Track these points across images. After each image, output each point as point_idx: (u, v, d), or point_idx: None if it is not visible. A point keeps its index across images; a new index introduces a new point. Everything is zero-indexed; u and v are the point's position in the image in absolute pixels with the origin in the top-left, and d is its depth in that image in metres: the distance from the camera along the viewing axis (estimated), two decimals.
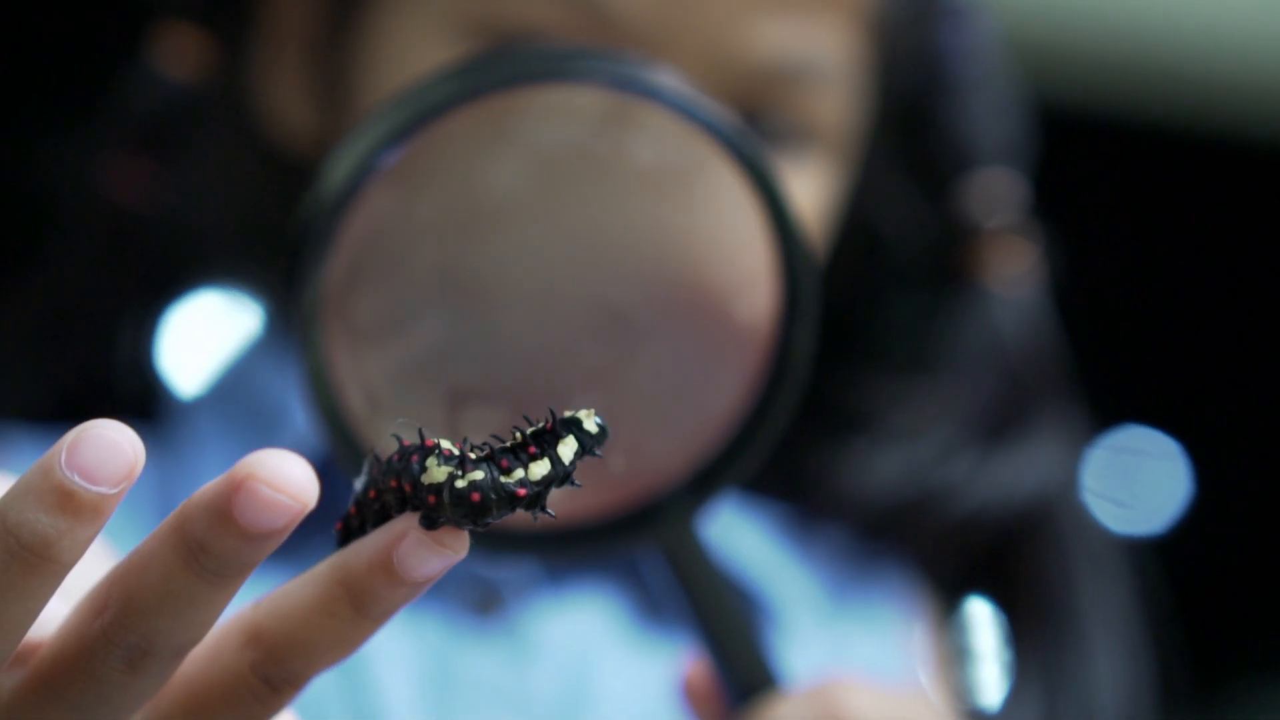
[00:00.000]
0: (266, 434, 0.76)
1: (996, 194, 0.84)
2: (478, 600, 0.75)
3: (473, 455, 0.40)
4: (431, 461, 0.40)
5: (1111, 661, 0.81)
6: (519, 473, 0.40)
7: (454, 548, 0.40)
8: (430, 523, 0.40)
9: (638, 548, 0.61)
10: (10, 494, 0.38)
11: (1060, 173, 0.91)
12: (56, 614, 0.42)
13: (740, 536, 0.80)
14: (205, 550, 0.38)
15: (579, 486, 0.40)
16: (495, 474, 0.40)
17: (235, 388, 0.80)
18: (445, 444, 0.40)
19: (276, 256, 0.80)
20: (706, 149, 0.58)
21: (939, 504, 0.81)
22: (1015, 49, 0.90)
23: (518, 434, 0.40)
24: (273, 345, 0.80)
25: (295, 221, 0.57)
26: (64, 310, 0.82)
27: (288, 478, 0.38)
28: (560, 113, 0.58)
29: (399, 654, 0.73)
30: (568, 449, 0.40)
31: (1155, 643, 0.84)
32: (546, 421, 0.40)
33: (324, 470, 0.75)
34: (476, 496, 0.39)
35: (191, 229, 0.83)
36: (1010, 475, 0.82)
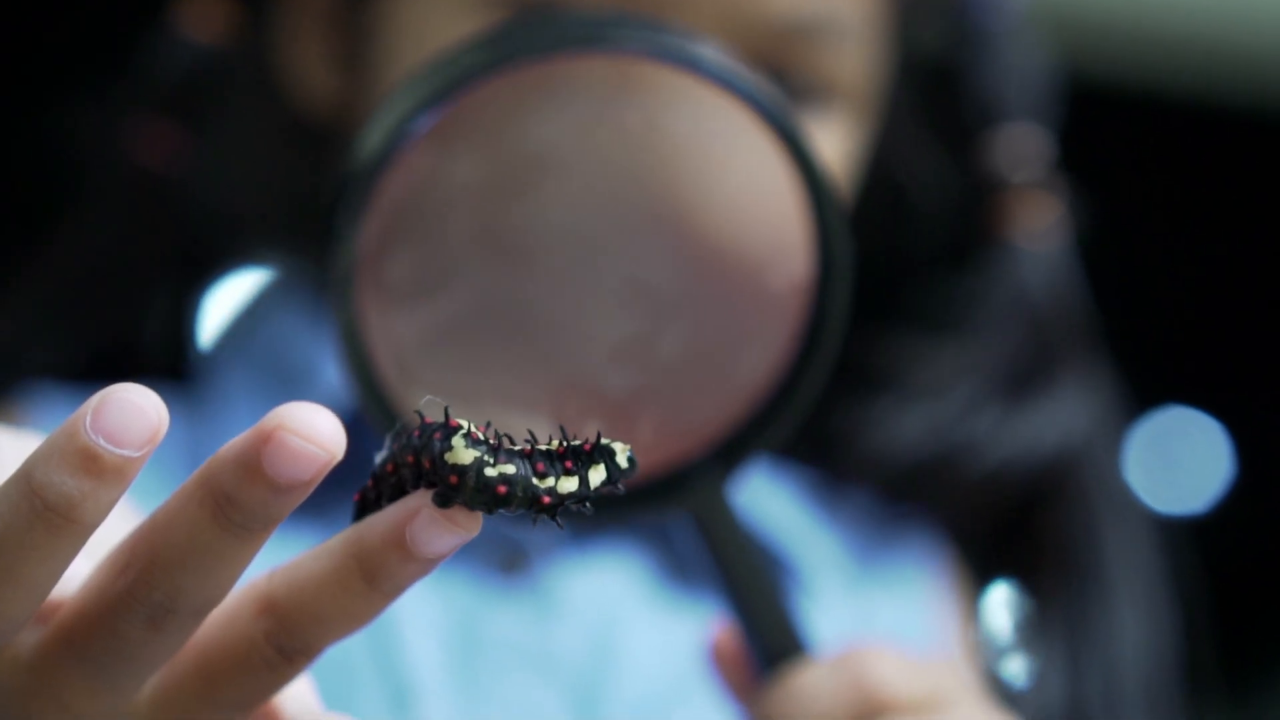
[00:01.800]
0: (294, 394, 0.76)
1: (1022, 149, 0.84)
2: (504, 560, 0.75)
3: (507, 445, 0.40)
4: (458, 441, 0.40)
5: (1136, 616, 0.81)
6: (550, 480, 0.40)
7: (467, 527, 0.40)
8: (444, 501, 0.40)
9: (668, 514, 0.61)
10: (36, 455, 0.38)
11: (1090, 138, 0.91)
12: (80, 573, 0.42)
13: (767, 500, 0.80)
14: (233, 503, 0.39)
15: (589, 514, 0.40)
16: (529, 473, 0.40)
17: (263, 348, 0.80)
18: (471, 426, 0.40)
19: (301, 219, 0.80)
20: (743, 119, 0.57)
21: (963, 460, 0.81)
22: (1046, 17, 0.89)
23: (557, 442, 0.40)
24: (299, 305, 0.80)
25: (331, 183, 0.57)
26: (94, 272, 0.82)
27: (317, 428, 0.38)
28: (597, 81, 0.57)
29: (425, 613, 0.73)
30: (597, 475, 0.40)
31: (1182, 605, 0.83)
32: (586, 441, 0.40)
33: (351, 430, 0.75)
34: (503, 489, 0.39)
35: (218, 192, 0.83)
36: (1035, 430, 0.81)
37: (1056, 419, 0.82)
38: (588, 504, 0.40)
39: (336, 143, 0.78)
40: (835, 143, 0.76)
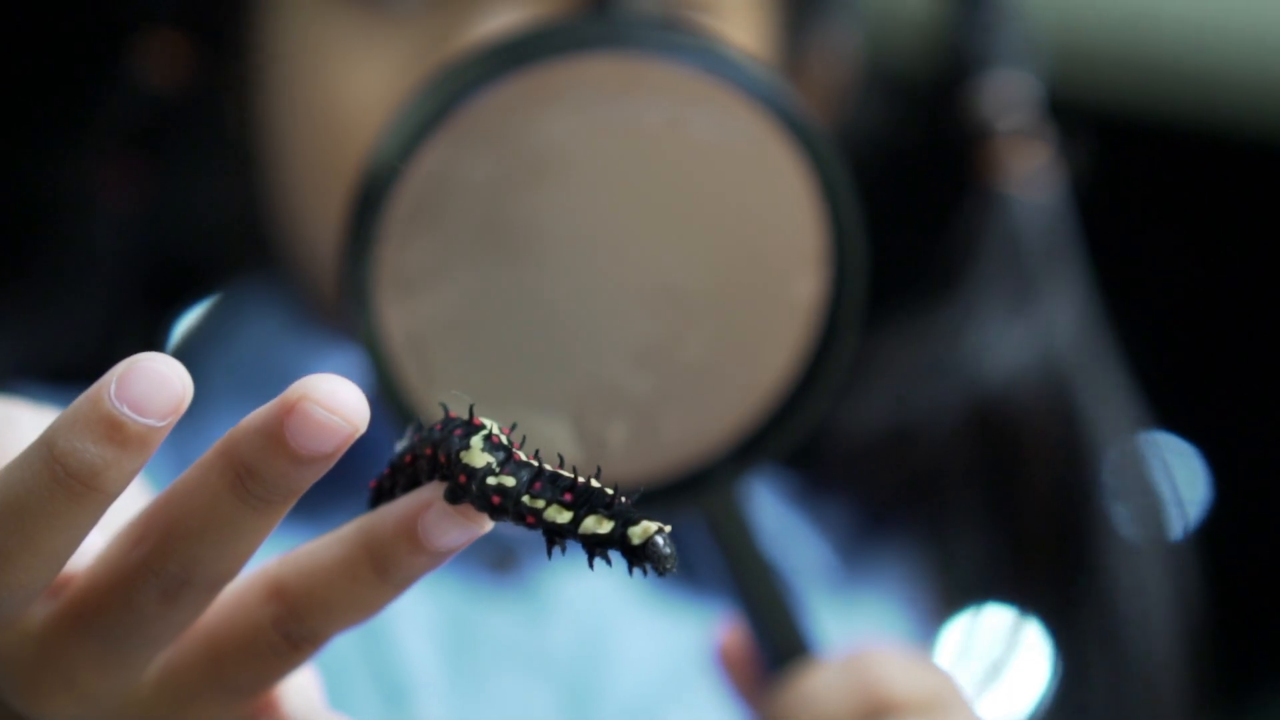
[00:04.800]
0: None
1: (1009, 96, 0.83)
2: (494, 559, 0.75)
3: (522, 457, 0.39)
4: (476, 442, 0.39)
5: (1129, 574, 0.79)
6: (540, 503, 0.39)
7: (478, 522, 0.40)
8: (454, 497, 0.40)
9: (681, 514, 0.60)
10: (58, 423, 0.37)
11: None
12: (93, 547, 0.42)
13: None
14: (253, 475, 0.38)
15: (562, 554, 0.39)
16: (524, 489, 0.39)
17: (243, 355, 0.80)
18: (495, 429, 0.40)
19: (272, 234, 0.80)
20: (766, 128, 0.58)
21: (955, 398, 0.80)
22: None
23: (575, 473, 0.39)
24: (278, 315, 0.80)
25: (355, 182, 0.57)
26: (72, 314, 0.83)
27: (341, 400, 0.37)
28: (613, 83, 0.58)
29: (417, 613, 0.73)
30: (598, 525, 0.39)
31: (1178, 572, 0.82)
32: (613, 497, 0.39)
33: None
34: (497, 500, 0.39)
35: (188, 226, 0.84)
36: (1024, 371, 0.80)
37: (1042, 362, 0.80)
38: (570, 541, 0.39)
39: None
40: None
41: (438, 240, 0.58)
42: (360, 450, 0.46)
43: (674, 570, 0.38)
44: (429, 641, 0.72)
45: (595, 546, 0.38)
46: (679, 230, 0.59)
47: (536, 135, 0.58)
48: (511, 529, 0.74)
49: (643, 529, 0.38)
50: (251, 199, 0.81)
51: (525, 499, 0.39)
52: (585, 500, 0.39)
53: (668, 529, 0.38)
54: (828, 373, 0.59)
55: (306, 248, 0.77)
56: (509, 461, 0.39)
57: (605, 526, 0.38)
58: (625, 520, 0.38)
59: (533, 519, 0.39)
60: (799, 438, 0.60)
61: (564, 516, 0.39)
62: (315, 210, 0.76)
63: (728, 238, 0.60)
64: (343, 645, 0.72)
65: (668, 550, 0.38)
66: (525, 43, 0.57)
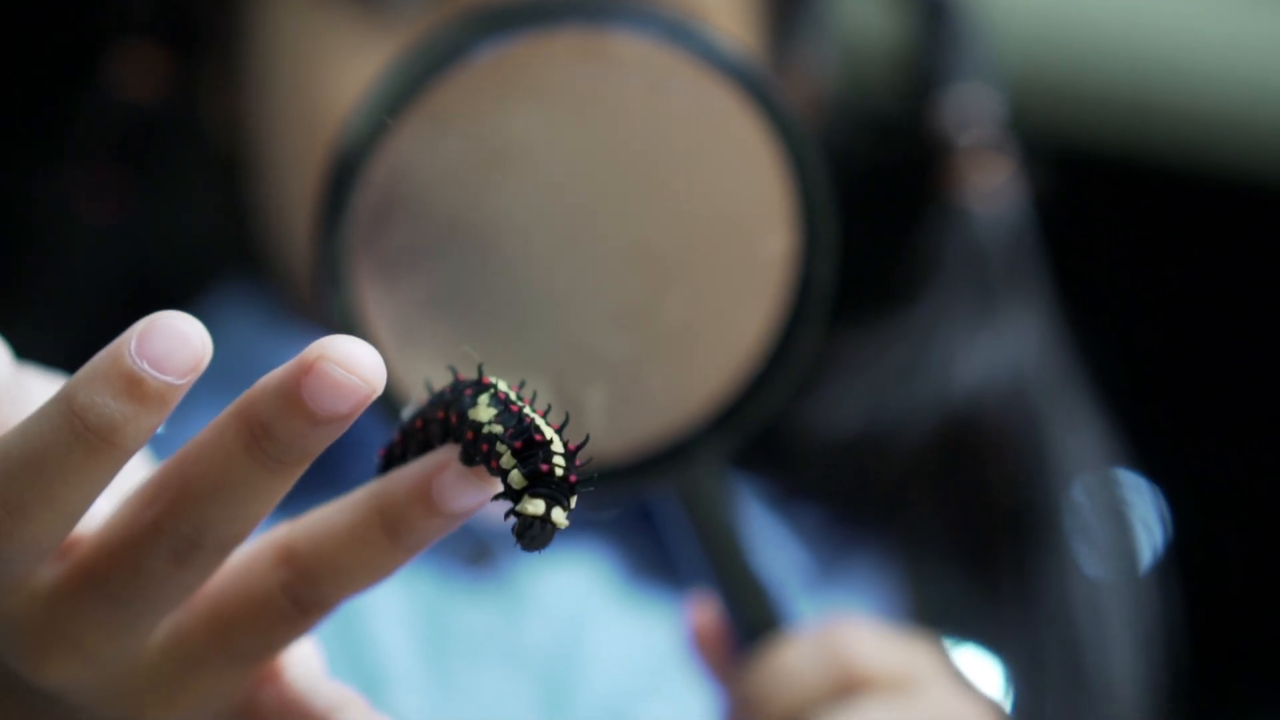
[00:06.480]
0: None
1: (971, 110, 0.83)
2: (469, 553, 0.75)
3: (522, 409, 0.39)
4: (483, 399, 0.39)
5: (1088, 578, 0.80)
6: (502, 449, 0.39)
7: (490, 483, 0.40)
8: (468, 458, 0.40)
9: (655, 488, 0.61)
10: (78, 377, 0.38)
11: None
12: (101, 512, 0.42)
13: None
14: (270, 435, 0.38)
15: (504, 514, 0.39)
16: (501, 437, 0.39)
17: (222, 352, 0.80)
18: (502, 386, 0.40)
19: (252, 250, 0.81)
20: (730, 93, 0.59)
21: (911, 422, 0.80)
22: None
23: (545, 426, 0.39)
24: (257, 316, 0.81)
25: (327, 160, 0.58)
26: (51, 327, 0.83)
27: (358, 360, 0.38)
28: (591, 57, 0.59)
29: (392, 606, 0.73)
30: (517, 482, 0.38)
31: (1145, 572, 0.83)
32: (537, 447, 0.38)
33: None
34: (485, 447, 0.39)
35: (167, 237, 0.85)
36: (981, 386, 0.81)
37: (1003, 374, 0.81)
38: (512, 494, 0.38)
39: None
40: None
41: (413, 216, 0.58)
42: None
43: (535, 550, 0.38)
44: (405, 635, 0.72)
45: (509, 499, 0.38)
46: (650, 196, 0.60)
47: (509, 110, 0.58)
48: (486, 522, 0.75)
49: (524, 505, 0.38)
50: (232, 205, 0.82)
51: (497, 445, 0.39)
52: (527, 452, 0.38)
53: (561, 520, 0.38)
54: (802, 336, 0.60)
55: (295, 248, 0.77)
56: (504, 414, 0.39)
57: (519, 484, 0.38)
58: (529, 487, 0.38)
59: (495, 463, 0.39)
60: (775, 406, 0.60)
61: (509, 463, 0.38)
62: (305, 211, 0.76)
63: (697, 201, 0.60)
64: (319, 638, 0.73)
65: (528, 536, 0.38)
66: (496, 18, 0.58)
